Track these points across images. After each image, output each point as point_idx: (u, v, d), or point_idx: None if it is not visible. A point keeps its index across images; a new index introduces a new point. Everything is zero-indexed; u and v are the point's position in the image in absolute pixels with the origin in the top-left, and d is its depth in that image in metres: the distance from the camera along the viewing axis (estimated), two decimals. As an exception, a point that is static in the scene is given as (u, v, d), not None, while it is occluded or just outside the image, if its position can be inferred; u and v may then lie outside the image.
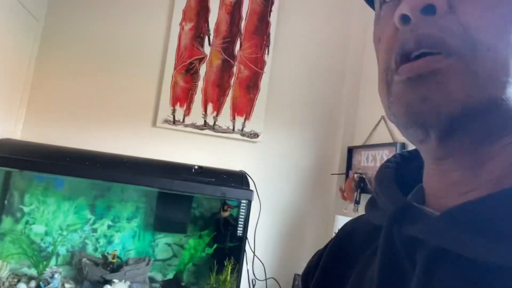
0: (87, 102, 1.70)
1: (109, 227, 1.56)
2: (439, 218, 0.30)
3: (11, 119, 1.59)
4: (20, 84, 1.61)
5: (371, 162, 1.57)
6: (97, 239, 1.54)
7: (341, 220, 1.51)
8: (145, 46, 1.78)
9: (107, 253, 1.49)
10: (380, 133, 1.58)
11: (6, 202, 1.49)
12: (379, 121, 1.59)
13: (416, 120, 0.30)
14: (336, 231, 1.52)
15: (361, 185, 1.57)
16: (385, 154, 1.47)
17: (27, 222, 1.49)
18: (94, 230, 1.55)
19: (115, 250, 1.48)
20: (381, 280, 0.32)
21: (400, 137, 1.43)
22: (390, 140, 1.47)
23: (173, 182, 1.38)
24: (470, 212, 0.28)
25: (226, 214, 1.55)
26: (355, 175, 1.61)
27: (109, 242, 1.55)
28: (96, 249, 1.54)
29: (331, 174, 1.82)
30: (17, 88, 1.60)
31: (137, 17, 1.78)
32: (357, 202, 1.58)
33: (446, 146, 0.31)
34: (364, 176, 1.58)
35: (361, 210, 1.58)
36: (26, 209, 1.49)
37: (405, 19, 0.30)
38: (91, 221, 1.55)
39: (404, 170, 0.40)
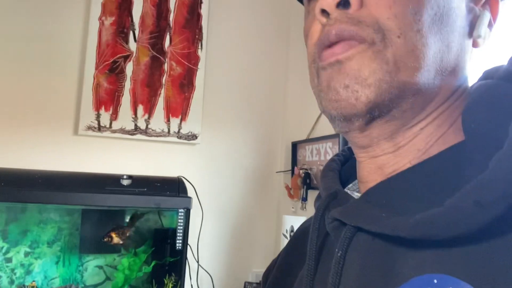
0: (-10, 112, 1.46)
1: (26, 254, 1.34)
2: (357, 199, 0.33)
3: None
4: None
5: (315, 156, 1.50)
6: (12, 270, 1.32)
7: (289, 220, 1.42)
8: (60, 45, 1.57)
9: (24, 285, 1.28)
10: (323, 126, 1.51)
11: None
12: (321, 113, 1.52)
13: (339, 108, 0.31)
14: (285, 232, 1.42)
15: (307, 181, 1.50)
16: (328, 147, 1.40)
17: None
18: (8, 260, 1.33)
19: (34, 281, 1.28)
20: (311, 265, 0.33)
21: (342, 128, 1.37)
22: (332, 132, 1.40)
23: (97, 196, 1.21)
24: (381, 191, 0.32)
25: (116, 239, 1.33)
26: (301, 171, 1.53)
27: (28, 271, 1.33)
28: (12, 282, 1.32)
29: (276, 172, 1.73)
30: None
31: (50, 13, 1.56)
32: (304, 199, 1.50)
33: (368, 135, 0.33)
34: (309, 172, 1.51)
35: (309, 208, 1.50)
36: None
37: (324, 13, 0.32)
38: (3, 250, 1.32)
39: (351, 162, 0.41)
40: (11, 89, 1.49)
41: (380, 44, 0.30)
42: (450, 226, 0.25)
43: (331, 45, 0.32)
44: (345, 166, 0.41)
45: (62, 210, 1.38)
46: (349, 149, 0.42)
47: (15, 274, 1.33)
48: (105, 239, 1.30)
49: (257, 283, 1.57)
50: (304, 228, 0.46)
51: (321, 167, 1.45)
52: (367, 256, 0.30)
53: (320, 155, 1.46)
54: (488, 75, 0.34)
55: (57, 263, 1.36)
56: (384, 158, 0.33)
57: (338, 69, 0.31)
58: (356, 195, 0.36)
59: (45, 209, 1.37)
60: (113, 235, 1.32)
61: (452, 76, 0.32)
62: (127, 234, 1.34)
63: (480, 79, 0.35)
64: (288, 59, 1.81)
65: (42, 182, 1.21)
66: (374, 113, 0.30)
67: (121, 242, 1.32)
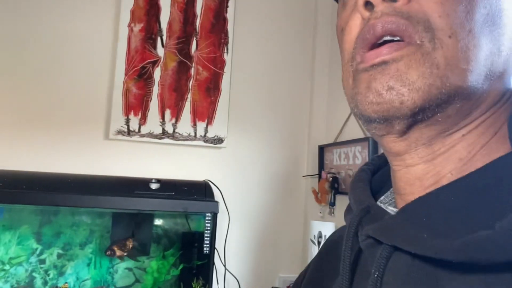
0: (28, 117, 1.51)
1: (59, 256, 1.38)
2: (394, 216, 0.31)
3: None
4: None
5: (343, 160, 1.47)
6: (46, 271, 1.36)
7: (317, 226, 1.40)
8: (91, 52, 1.61)
9: (57, 286, 1.31)
10: (351, 129, 1.48)
11: None
12: (349, 116, 1.49)
13: (380, 111, 0.29)
14: (312, 237, 1.40)
15: (335, 186, 1.47)
16: (357, 151, 1.37)
17: (-41, 260, 1.29)
18: (42, 261, 1.37)
19: (66, 283, 1.31)
20: (345, 285, 0.32)
21: (372, 132, 1.33)
22: (361, 135, 1.37)
23: (127, 200, 1.23)
24: (421, 207, 0.29)
25: (119, 252, 1.33)
26: (328, 175, 1.51)
27: (61, 273, 1.37)
28: (45, 283, 1.36)
29: (303, 176, 1.71)
30: None
31: (80, 20, 1.61)
32: (332, 204, 1.48)
33: (407, 139, 0.31)
34: (337, 176, 1.48)
35: (337, 213, 1.47)
36: (-43, 245, 1.30)
37: (368, 6, 0.30)
38: (37, 251, 1.37)
39: (383, 171, 0.39)
40: (45, 96, 1.54)
41: (429, 45, 0.28)
42: (501, 250, 0.23)
43: (374, 44, 0.30)
44: (375, 176, 0.39)
45: (94, 213, 1.42)
46: (379, 157, 0.40)
47: (48, 275, 1.37)
48: (107, 253, 1.31)
49: (284, 289, 1.55)
50: (335, 239, 0.44)
51: (350, 172, 1.43)
52: (407, 279, 0.28)
53: (349, 159, 1.43)
54: None
55: (88, 265, 1.39)
56: (422, 167, 0.31)
57: (382, 70, 0.29)
58: (391, 209, 0.34)
59: (77, 212, 1.40)
60: (115, 248, 1.33)
61: (500, 81, 0.30)
62: (130, 245, 1.35)
63: None
64: (314, 61, 1.79)
65: (75, 186, 1.24)
66: (418, 117, 0.29)
67: (124, 254, 1.33)
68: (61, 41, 1.58)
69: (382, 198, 0.37)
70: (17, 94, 1.52)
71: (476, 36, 0.28)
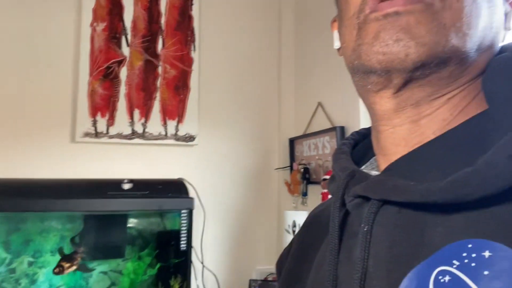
0: (-14, 123, 1.45)
1: (30, 264, 1.33)
2: (380, 174, 0.34)
3: None
4: None
5: (313, 151, 1.51)
6: (16, 281, 1.32)
7: (291, 215, 1.43)
8: (53, 53, 1.56)
9: (30, 295, 1.27)
10: (319, 121, 1.52)
11: None
12: (317, 108, 1.54)
13: (384, 61, 0.30)
14: (287, 227, 1.43)
15: (306, 176, 1.51)
16: (326, 141, 1.42)
17: None
18: (12, 271, 1.32)
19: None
20: (334, 243, 0.33)
21: (339, 121, 1.38)
22: (329, 125, 1.42)
23: (99, 202, 1.21)
24: (406, 163, 0.32)
25: (68, 265, 1.28)
26: (299, 167, 1.55)
27: (32, 281, 1.33)
28: (16, 293, 1.31)
29: (275, 169, 1.74)
30: None
31: (41, 21, 1.55)
32: (305, 194, 1.52)
33: (399, 96, 0.32)
34: (308, 166, 1.52)
35: (310, 203, 1.51)
36: None
37: None
38: (7, 261, 1.32)
39: (363, 145, 0.42)
40: (6, 99, 1.48)
41: (439, 5, 0.29)
42: (484, 183, 0.25)
43: None
44: (355, 149, 0.41)
45: (64, 217, 1.38)
46: (358, 133, 0.43)
47: (19, 284, 1.32)
48: (55, 271, 1.27)
49: (262, 280, 1.58)
50: (315, 214, 0.46)
51: (320, 161, 1.47)
52: (395, 229, 0.29)
53: (318, 150, 1.47)
54: (504, 49, 0.34)
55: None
56: (408, 127, 0.33)
57: (393, 21, 0.29)
58: (374, 173, 0.36)
59: (46, 218, 1.36)
60: (63, 264, 1.29)
61: (486, 54, 0.32)
62: (77, 256, 1.31)
63: (497, 54, 0.35)
64: (280, 55, 1.82)
65: (42, 190, 1.21)
66: (416, 73, 0.30)
67: (74, 266, 1.30)
68: (22, 43, 1.52)
69: (363, 167, 0.39)
70: (-26, 99, 1.45)
71: (479, 6, 0.30)
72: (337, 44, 0.39)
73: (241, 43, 1.80)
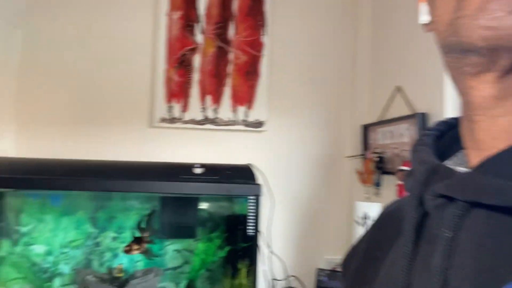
0: (76, 109, 1.60)
1: (113, 239, 1.46)
2: (472, 170, 0.28)
3: (2, 136, 1.50)
4: (5, 98, 1.52)
5: (389, 139, 1.41)
6: (101, 253, 1.45)
7: (362, 207, 1.36)
8: (132, 43, 1.66)
9: (112, 267, 1.39)
10: (397, 106, 1.41)
11: (2, 224, 1.40)
12: (395, 92, 1.42)
13: (490, 38, 0.25)
14: (357, 219, 1.37)
15: (381, 166, 1.42)
16: (404, 128, 1.31)
17: (26, 244, 1.41)
18: (98, 244, 1.45)
19: (121, 264, 1.38)
20: (408, 247, 0.30)
21: (420, 107, 1.26)
22: (408, 112, 1.30)
23: (172, 185, 1.26)
24: (505, 159, 0.26)
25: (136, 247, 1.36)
26: (373, 155, 1.46)
27: (115, 255, 1.45)
28: (101, 264, 1.44)
29: (346, 157, 1.67)
30: (3, 103, 1.52)
31: (120, 13, 1.66)
32: (378, 185, 1.43)
33: (504, 82, 0.27)
34: (383, 156, 1.43)
35: (384, 194, 1.42)
36: (23, 229, 1.41)
37: None
38: (93, 235, 1.45)
39: (449, 136, 0.36)
40: (92, 90, 1.61)
41: None
42: None
43: None
44: (439, 141, 0.35)
45: (143, 198, 1.48)
46: (444, 122, 0.37)
47: (104, 257, 1.45)
48: (125, 249, 1.34)
49: (329, 270, 1.54)
50: (390, 210, 0.41)
51: (396, 151, 1.37)
52: (484, 237, 0.25)
53: (395, 138, 1.37)
54: None
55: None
56: (509, 119, 0.27)
57: None
58: (461, 169, 0.30)
59: (127, 197, 1.47)
60: (133, 245, 1.35)
61: None
62: (145, 242, 1.37)
63: None
64: (355, 36, 1.72)
65: (124, 173, 1.30)
66: None
67: (141, 249, 1.36)
68: (102, 35, 1.63)
69: (447, 161, 0.34)
70: (67, 91, 1.60)
71: None
72: (424, 17, 0.33)
73: (313, 25, 1.73)
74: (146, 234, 1.37)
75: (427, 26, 0.33)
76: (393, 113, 1.41)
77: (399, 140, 1.34)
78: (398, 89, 1.40)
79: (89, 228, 1.45)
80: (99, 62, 1.62)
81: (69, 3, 1.64)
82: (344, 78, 1.72)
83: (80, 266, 1.43)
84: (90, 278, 1.33)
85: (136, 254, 1.37)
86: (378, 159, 1.42)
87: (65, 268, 1.42)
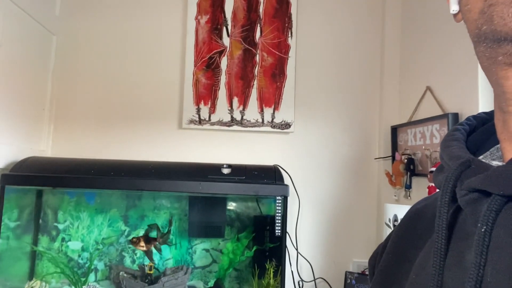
0: (109, 111, 1.66)
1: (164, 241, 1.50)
2: (508, 163, 0.27)
3: (40, 136, 1.58)
4: (43, 101, 1.61)
5: (419, 140, 1.38)
6: (133, 251, 1.50)
7: (392, 209, 1.34)
8: (162, 46, 1.71)
9: (144, 264, 1.43)
10: (427, 106, 1.38)
11: (40, 221, 1.48)
12: (425, 92, 1.40)
13: None
14: (387, 221, 1.35)
15: (411, 168, 1.39)
16: (435, 129, 1.28)
17: (63, 240, 1.47)
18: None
19: (151, 261, 1.42)
20: (441, 243, 0.29)
21: (451, 107, 1.23)
22: (439, 112, 1.27)
23: (200, 184, 1.29)
24: None
25: (142, 244, 1.37)
26: (403, 157, 1.43)
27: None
28: (133, 261, 1.49)
29: (375, 159, 1.64)
30: (42, 105, 1.60)
31: (150, 17, 1.72)
32: (408, 187, 1.40)
33: None
34: (413, 157, 1.40)
35: (414, 196, 1.39)
36: (60, 226, 1.48)
37: None
38: (126, 233, 1.50)
39: (481, 131, 0.35)
40: (123, 92, 1.67)
41: None
42: None
43: None
44: (471, 136, 0.35)
45: (172, 197, 1.52)
46: (475, 117, 0.36)
47: (136, 254, 1.50)
48: (132, 239, 1.37)
49: (358, 273, 1.52)
50: (417, 209, 0.41)
51: (427, 152, 1.34)
52: None
53: (425, 139, 1.34)
54: None
55: (170, 245, 1.50)
56: None
57: None
58: (496, 163, 0.30)
59: (158, 196, 1.51)
60: (140, 240, 1.38)
61: None
62: (153, 244, 1.39)
63: None
64: (383, 35, 1.69)
65: (155, 172, 1.34)
66: None
67: (145, 248, 1.38)
68: (134, 40, 1.69)
69: (481, 157, 0.33)
70: (100, 94, 1.67)
71: None
72: (454, 8, 0.32)
73: (340, 25, 1.73)
74: (159, 238, 1.40)
75: (458, 15, 0.33)
76: (424, 114, 1.38)
77: (430, 141, 1.31)
78: (428, 89, 1.37)
79: (121, 226, 1.50)
80: (130, 66, 1.68)
81: (101, 9, 1.71)
82: (372, 78, 1.70)
83: (114, 262, 1.48)
84: (123, 274, 1.37)
85: (175, 249, 1.41)
86: (408, 160, 1.40)
87: (99, 264, 1.48)
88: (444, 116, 1.22)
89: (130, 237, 1.45)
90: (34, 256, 1.46)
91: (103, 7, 1.71)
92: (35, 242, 1.46)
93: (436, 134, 1.28)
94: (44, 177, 1.30)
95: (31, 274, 1.44)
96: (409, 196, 1.41)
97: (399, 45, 1.65)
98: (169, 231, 1.44)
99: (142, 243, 1.38)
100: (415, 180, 1.39)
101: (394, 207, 1.34)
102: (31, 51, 1.50)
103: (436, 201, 0.34)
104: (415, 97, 1.45)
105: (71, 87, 1.67)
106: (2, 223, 1.27)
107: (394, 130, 1.54)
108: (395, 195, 1.50)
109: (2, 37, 1.31)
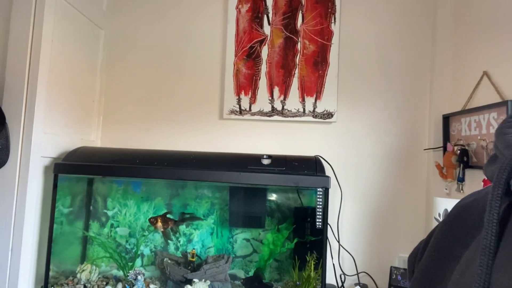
0: (155, 102, 1.70)
1: (187, 225, 1.54)
2: None
3: (90, 127, 1.66)
4: (93, 93, 1.68)
5: (475, 130, 1.28)
6: (177, 238, 1.54)
7: (442, 203, 1.26)
8: (204, 37, 1.72)
9: (187, 251, 1.47)
10: (484, 93, 1.27)
11: (91, 207, 1.56)
12: (481, 78, 1.28)
13: None
14: (437, 215, 1.27)
15: (464, 159, 1.29)
16: (492, 118, 1.18)
17: (112, 226, 1.55)
18: (173, 229, 1.54)
19: (194, 249, 1.46)
20: (490, 240, 0.26)
21: (511, 94, 1.12)
22: (497, 99, 1.17)
23: (240, 175, 1.29)
24: None
25: (159, 225, 1.40)
26: (455, 148, 1.33)
27: (189, 240, 1.53)
28: (177, 248, 1.53)
29: (424, 150, 1.55)
30: (91, 97, 1.67)
31: (192, 9, 1.73)
32: (461, 180, 1.31)
33: None
34: (467, 148, 1.30)
35: (467, 190, 1.30)
36: (109, 213, 1.55)
37: None
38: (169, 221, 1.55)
39: None
40: (167, 85, 1.70)
41: None
42: None
43: None
44: None
45: (213, 187, 1.53)
46: None
47: (179, 241, 1.54)
48: (150, 220, 1.41)
49: (404, 269, 1.46)
50: (464, 204, 0.38)
51: (483, 142, 1.24)
52: None
53: (481, 128, 1.24)
54: None
55: (211, 234, 1.52)
56: None
57: None
58: None
59: (200, 186, 1.53)
60: (159, 221, 1.41)
61: None
62: (170, 226, 1.42)
63: None
64: (435, 18, 1.58)
65: (196, 162, 1.35)
66: None
67: (162, 229, 1.41)
68: (176, 32, 1.72)
69: None
70: (144, 86, 1.71)
71: None
72: None
73: (388, 8, 1.63)
74: (179, 222, 1.45)
75: None
76: (480, 101, 1.28)
77: (487, 130, 1.21)
78: (486, 74, 1.26)
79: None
80: (173, 58, 1.71)
81: (145, 3, 1.74)
82: (422, 63, 1.60)
83: (158, 249, 1.54)
84: (167, 260, 1.42)
85: (217, 238, 1.44)
86: (461, 151, 1.30)
87: (145, 250, 1.54)
88: (503, 103, 1.12)
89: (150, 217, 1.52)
90: (85, 241, 1.55)
91: (146, 1, 1.75)
92: (86, 227, 1.55)
93: (493, 123, 1.18)
94: (93, 166, 1.37)
95: (83, 258, 1.54)
96: (462, 189, 1.31)
97: (452, 27, 1.53)
98: (181, 221, 1.48)
99: (160, 224, 1.42)
100: (469, 173, 1.30)
101: (445, 201, 1.26)
102: (81, 45, 1.57)
103: (487, 195, 0.31)
104: (470, 83, 1.34)
105: (118, 79, 1.73)
106: (56, 209, 1.35)
107: (446, 119, 1.44)
108: (446, 188, 1.40)
109: (53, 32, 1.38)
